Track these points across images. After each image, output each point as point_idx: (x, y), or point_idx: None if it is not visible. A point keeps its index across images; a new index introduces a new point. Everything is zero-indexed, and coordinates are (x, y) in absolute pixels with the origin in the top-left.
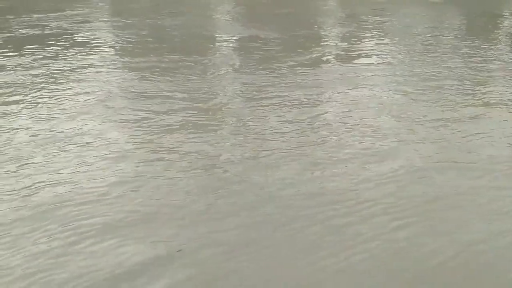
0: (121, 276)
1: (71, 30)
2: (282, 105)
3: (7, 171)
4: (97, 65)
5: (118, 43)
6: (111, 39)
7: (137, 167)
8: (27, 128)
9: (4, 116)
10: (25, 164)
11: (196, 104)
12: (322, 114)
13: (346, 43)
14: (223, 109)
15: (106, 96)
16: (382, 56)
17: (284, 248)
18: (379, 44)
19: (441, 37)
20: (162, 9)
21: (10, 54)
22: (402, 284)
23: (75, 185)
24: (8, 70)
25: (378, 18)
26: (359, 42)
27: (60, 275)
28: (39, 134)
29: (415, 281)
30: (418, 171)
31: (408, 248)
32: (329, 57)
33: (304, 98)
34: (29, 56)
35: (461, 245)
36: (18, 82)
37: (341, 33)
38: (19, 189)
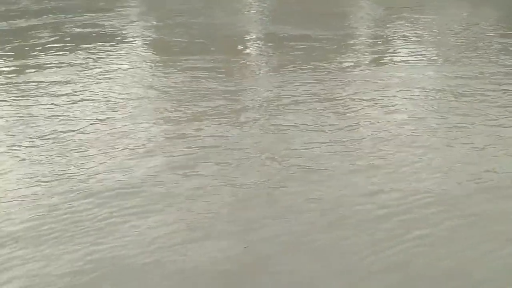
0: None
1: (122, 29)
2: (330, 105)
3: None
4: (148, 64)
5: (169, 42)
6: (162, 37)
7: (183, 162)
8: (81, 125)
9: (56, 113)
10: (85, 156)
11: (242, 105)
12: (371, 113)
13: (395, 43)
14: (269, 108)
15: (158, 95)
16: (428, 55)
17: (335, 246)
18: (426, 43)
19: (485, 34)
20: (210, 9)
21: (64, 52)
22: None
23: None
24: (62, 67)
25: (423, 16)
26: (405, 41)
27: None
28: (92, 131)
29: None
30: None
31: (461, 248)
32: (375, 57)
33: (352, 97)
34: (82, 54)
35: None
36: (72, 79)
37: (389, 33)
38: (77, 176)
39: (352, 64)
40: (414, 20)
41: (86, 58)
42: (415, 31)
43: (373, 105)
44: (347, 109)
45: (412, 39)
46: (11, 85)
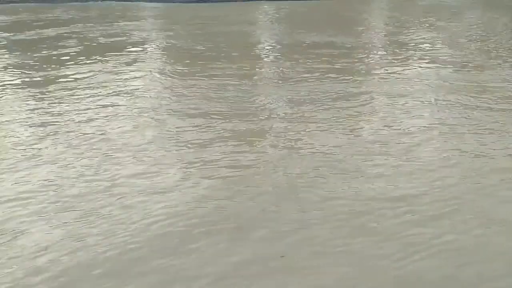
0: None
1: (148, 38)
2: (356, 110)
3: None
4: (174, 72)
5: (192, 50)
6: (187, 45)
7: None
8: (109, 132)
9: (85, 120)
10: (113, 161)
11: (267, 113)
12: (397, 118)
13: (419, 49)
14: (295, 114)
15: (185, 103)
16: (452, 61)
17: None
18: (450, 48)
19: (505, 39)
20: (233, 17)
21: (91, 60)
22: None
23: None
24: (90, 75)
25: (444, 22)
26: (428, 47)
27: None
28: (119, 138)
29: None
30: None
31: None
32: (400, 63)
33: (378, 102)
34: (109, 62)
35: None
36: (100, 87)
37: (412, 39)
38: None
39: (376, 70)
40: (436, 26)
41: (112, 66)
42: (438, 37)
43: (399, 110)
44: (373, 114)
45: (435, 45)
46: (41, 94)
